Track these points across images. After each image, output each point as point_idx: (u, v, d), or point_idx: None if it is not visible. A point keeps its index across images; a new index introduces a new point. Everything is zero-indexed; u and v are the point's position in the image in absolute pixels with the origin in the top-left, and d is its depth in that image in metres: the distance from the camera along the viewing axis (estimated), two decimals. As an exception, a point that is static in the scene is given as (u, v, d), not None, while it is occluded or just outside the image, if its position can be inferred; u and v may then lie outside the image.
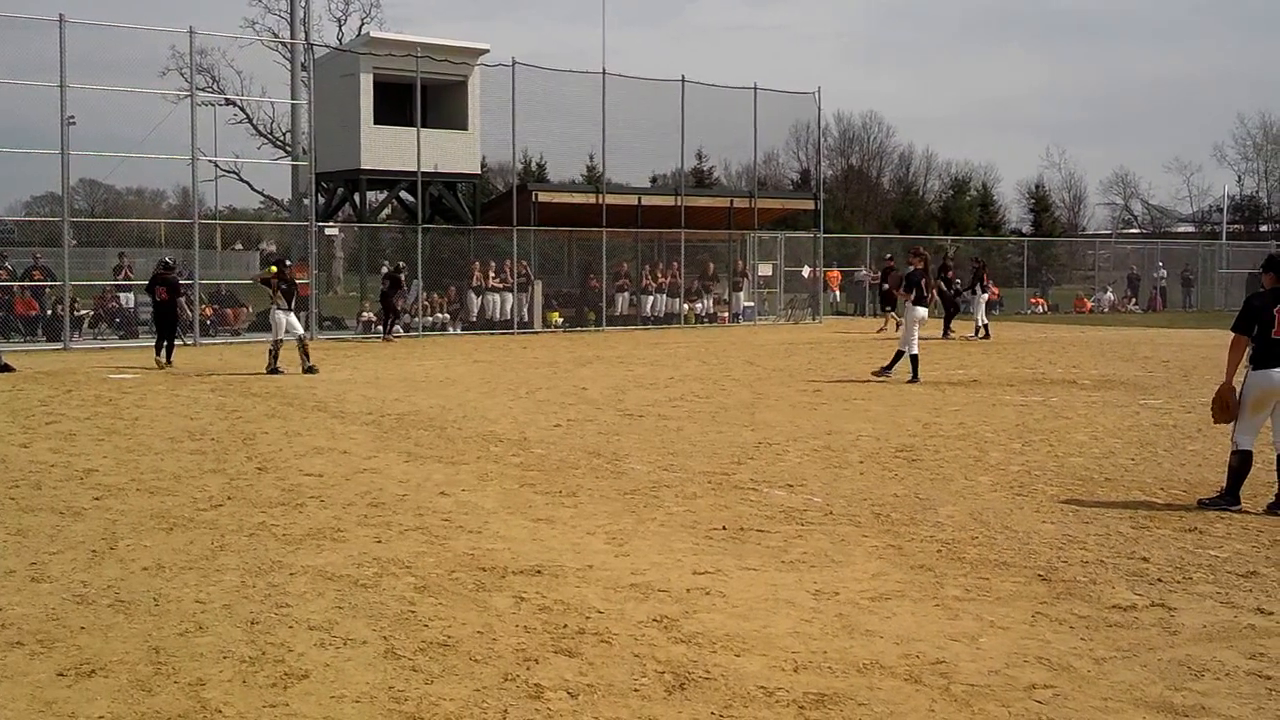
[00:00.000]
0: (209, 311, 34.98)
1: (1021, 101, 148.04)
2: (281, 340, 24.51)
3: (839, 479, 13.04)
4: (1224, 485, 11.68)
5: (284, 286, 24.63)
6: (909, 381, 22.56)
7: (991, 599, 8.46)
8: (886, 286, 40.44)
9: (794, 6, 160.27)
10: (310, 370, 24.10)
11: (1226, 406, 11.60)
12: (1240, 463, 11.44)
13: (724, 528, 10.67)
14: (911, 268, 23.74)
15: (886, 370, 23.10)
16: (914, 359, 22.83)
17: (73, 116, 31.34)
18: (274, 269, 25.07)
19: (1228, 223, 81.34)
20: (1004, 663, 7.15)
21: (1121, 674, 6.97)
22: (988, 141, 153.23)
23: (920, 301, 23.24)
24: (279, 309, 24.57)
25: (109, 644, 7.44)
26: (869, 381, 22.99)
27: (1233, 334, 11.67)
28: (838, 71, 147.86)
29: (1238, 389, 11.57)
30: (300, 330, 25.25)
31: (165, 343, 25.61)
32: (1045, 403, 19.83)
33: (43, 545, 9.96)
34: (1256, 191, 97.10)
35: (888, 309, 40.17)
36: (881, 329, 38.98)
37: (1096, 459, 14.36)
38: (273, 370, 24.07)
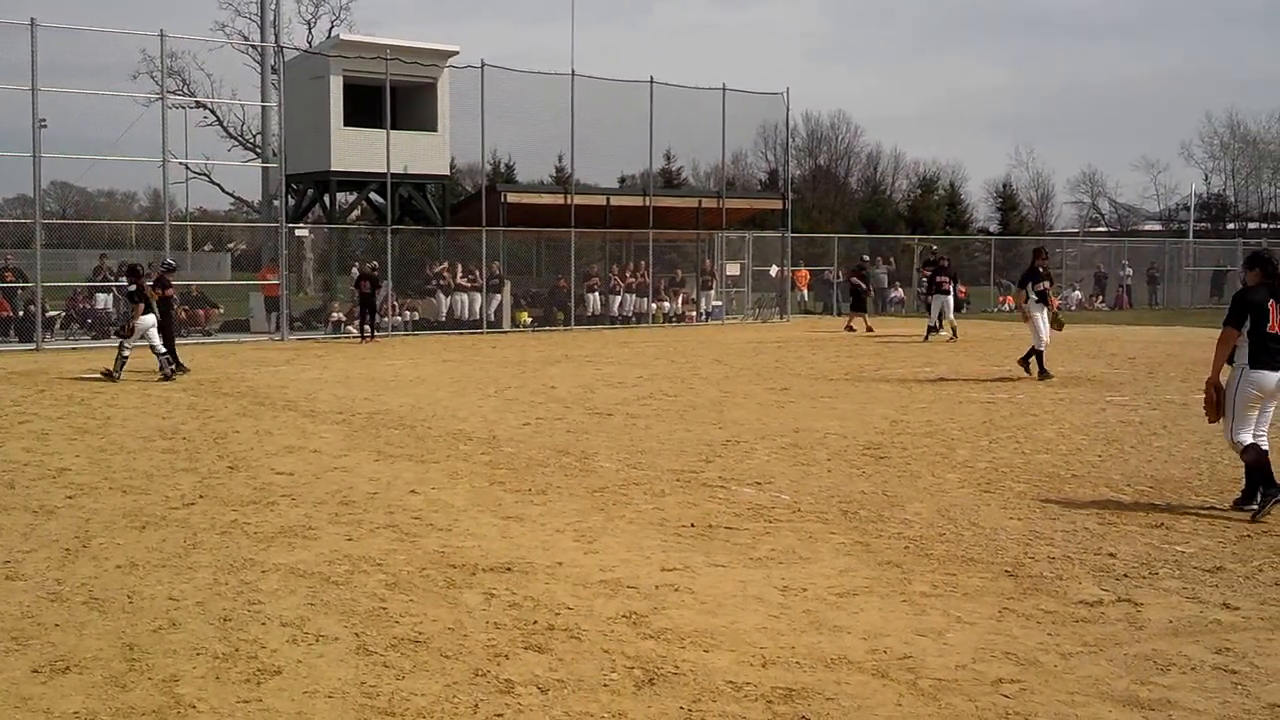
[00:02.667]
0: (182, 314, 34.87)
1: (989, 101, 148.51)
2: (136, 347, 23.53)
3: (807, 476, 13.10)
4: (1247, 485, 11.38)
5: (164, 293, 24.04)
6: (1039, 378, 22.86)
7: (958, 595, 8.52)
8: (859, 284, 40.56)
9: (764, 6, 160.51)
10: (110, 376, 23.01)
11: (1216, 403, 11.30)
12: (1257, 456, 11.09)
13: (692, 525, 10.73)
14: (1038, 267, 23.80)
15: (1042, 372, 23.11)
16: (1038, 355, 23.13)
17: (44, 119, 31.24)
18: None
19: (1195, 221, 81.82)
20: (971, 658, 7.21)
21: (1088, 668, 7.03)
22: (955, 141, 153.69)
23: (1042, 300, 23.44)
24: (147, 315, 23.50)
25: (83, 641, 7.47)
26: (840, 380, 23.10)
27: (1224, 328, 11.23)
28: (806, 71, 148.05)
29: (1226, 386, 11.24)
30: (153, 342, 23.66)
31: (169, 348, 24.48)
32: (1012, 400, 19.94)
33: (16, 544, 9.99)
34: (1223, 190, 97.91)
35: (856, 311, 40.17)
36: (850, 327, 39.00)
37: (1063, 455, 14.44)
38: (110, 375, 23.03)
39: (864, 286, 40.80)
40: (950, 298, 35.33)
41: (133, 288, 23.52)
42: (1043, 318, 23.18)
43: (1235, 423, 11.12)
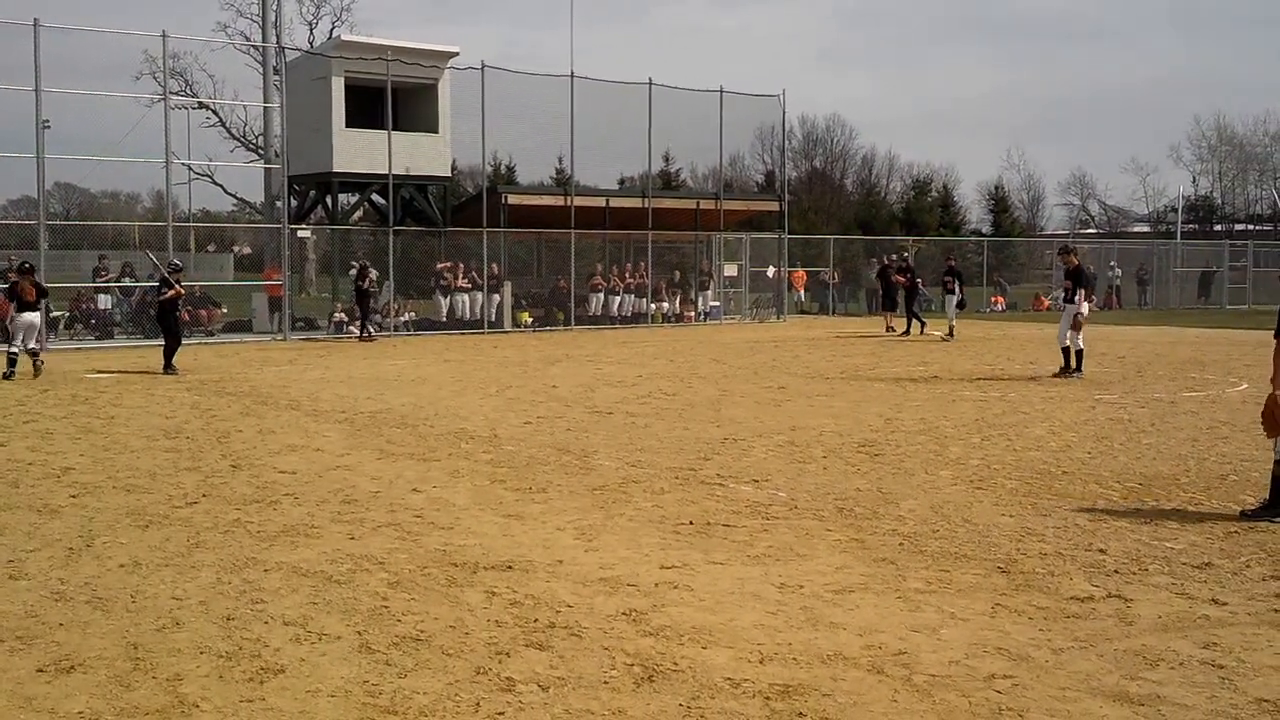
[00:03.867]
0: (184, 314, 34.89)
1: (982, 104, 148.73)
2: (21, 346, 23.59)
3: (803, 474, 13.17)
4: (1270, 495, 11.07)
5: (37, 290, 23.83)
6: (1072, 373, 23.03)
7: (952, 591, 8.59)
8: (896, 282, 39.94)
9: (759, 9, 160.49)
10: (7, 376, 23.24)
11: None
12: None
13: (691, 523, 10.79)
14: (1072, 266, 23.83)
15: (1077, 370, 23.19)
16: (1065, 352, 23.23)
17: (48, 120, 31.29)
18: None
19: (1182, 222, 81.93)
20: (964, 653, 7.27)
21: (1079, 664, 7.09)
22: (949, 143, 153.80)
23: (1070, 299, 23.49)
24: (27, 312, 23.49)
25: (87, 640, 7.52)
26: (835, 379, 23.18)
27: (1277, 340, 10.85)
28: (802, 74, 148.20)
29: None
30: (33, 342, 23.95)
31: (170, 349, 24.96)
32: (1004, 398, 20.03)
33: (20, 543, 10.04)
34: (1211, 192, 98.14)
35: (888, 310, 39.51)
36: (891, 328, 38.43)
37: (1054, 453, 14.51)
38: (9, 375, 23.18)
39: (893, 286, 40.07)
40: (954, 297, 35.40)
41: (4, 285, 23.62)
42: (1068, 316, 23.24)
43: None
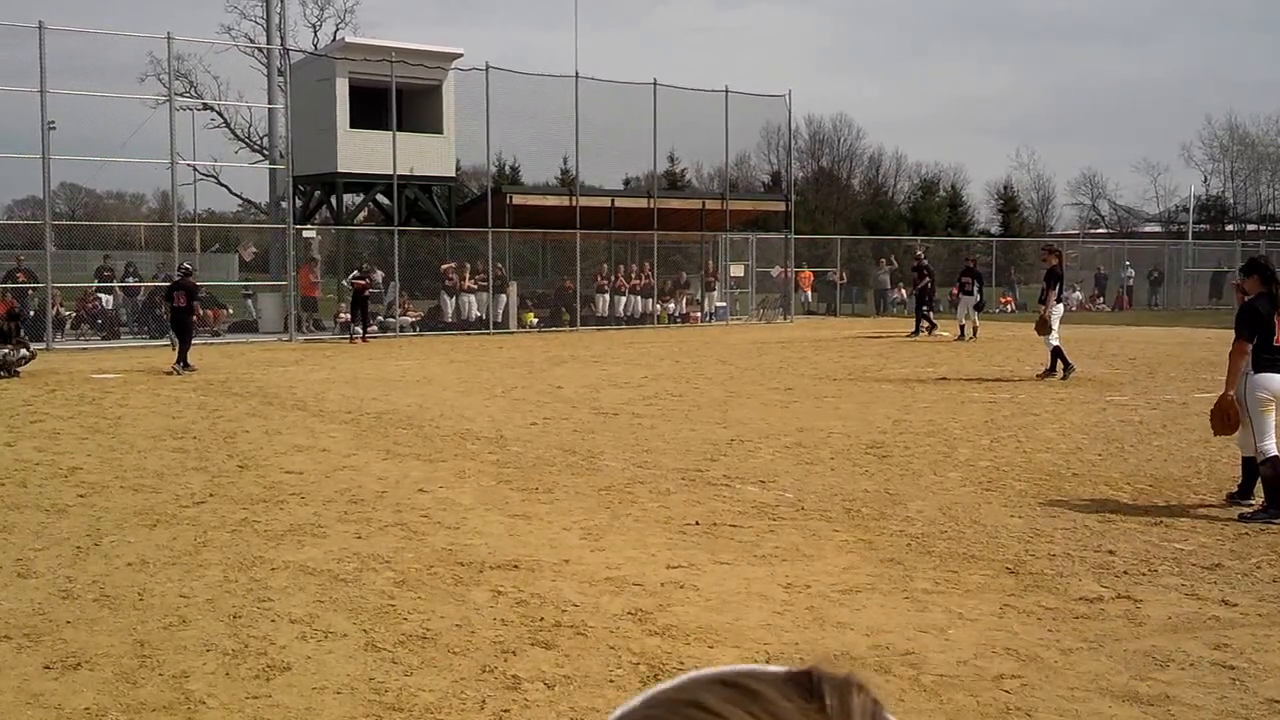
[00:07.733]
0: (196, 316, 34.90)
1: (991, 103, 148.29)
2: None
3: (810, 475, 13.16)
4: (1244, 481, 11.41)
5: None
6: (1046, 374, 23.12)
7: (960, 591, 8.58)
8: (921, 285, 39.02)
9: (765, 8, 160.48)
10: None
11: (1228, 418, 11.16)
12: (1275, 470, 10.89)
13: (697, 523, 10.78)
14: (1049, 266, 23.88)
15: (1050, 372, 23.20)
16: (1055, 353, 23.20)
17: (53, 121, 31.44)
18: None
19: (1194, 223, 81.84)
20: (972, 654, 7.26)
21: (1088, 664, 7.08)
22: (957, 143, 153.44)
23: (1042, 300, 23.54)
24: None
25: (94, 637, 7.54)
26: (843, 380, 23.17)
27: (1236, 341, 11.09)
28: (808, 74, 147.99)
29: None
30: None
31: (183, 349, 25.15)
32: (1013, 400, 19.99)
33: (29, 541, 10.06)
34: (1222, 192, 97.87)
35: (923, 310, 37.63)
36: (928, 330, 36.97)
37: (1064, 454, 14.49)
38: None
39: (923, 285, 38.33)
40: (973, 298, 35.34)
41: None
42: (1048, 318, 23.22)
43: (1258, 431, 10.96)
